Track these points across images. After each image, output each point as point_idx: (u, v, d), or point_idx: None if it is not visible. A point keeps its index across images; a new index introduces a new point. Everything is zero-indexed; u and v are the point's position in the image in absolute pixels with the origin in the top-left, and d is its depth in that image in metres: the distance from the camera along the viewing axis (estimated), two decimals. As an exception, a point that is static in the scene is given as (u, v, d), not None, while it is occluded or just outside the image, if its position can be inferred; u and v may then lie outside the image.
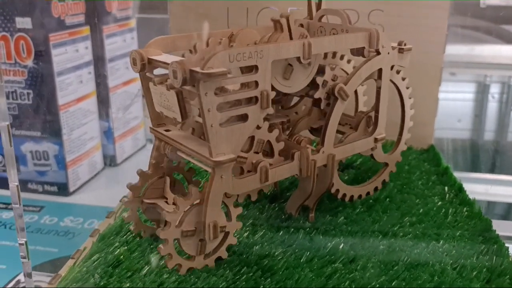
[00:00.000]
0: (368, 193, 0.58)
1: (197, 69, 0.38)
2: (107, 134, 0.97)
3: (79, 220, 0.80)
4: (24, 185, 0.87)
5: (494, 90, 1.17)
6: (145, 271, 0.43)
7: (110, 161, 0.97)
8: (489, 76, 1.17)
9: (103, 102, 0.95)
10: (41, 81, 0.82)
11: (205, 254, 0.44)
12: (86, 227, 0.79)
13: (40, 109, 0.83)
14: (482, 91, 1.18)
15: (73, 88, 0.86)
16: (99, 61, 0.93)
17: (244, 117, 0.42)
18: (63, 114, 0.84)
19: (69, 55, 0.85)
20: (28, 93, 0.83)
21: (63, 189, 0.86)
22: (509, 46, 1.13)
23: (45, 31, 0.80)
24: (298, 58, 0.45)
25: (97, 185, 0.91)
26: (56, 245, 0.73)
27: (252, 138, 0.45)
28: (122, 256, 0.44)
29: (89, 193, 0.88)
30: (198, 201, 0.42)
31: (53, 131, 0.84)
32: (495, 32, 1.13)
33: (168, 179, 0.48)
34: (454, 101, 1.19)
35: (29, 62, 0.82)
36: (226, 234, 0.45)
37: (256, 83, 0.42)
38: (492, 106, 1.18)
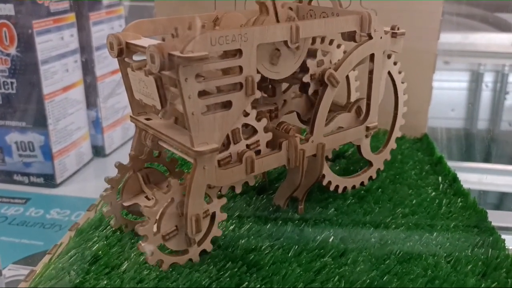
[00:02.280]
0: (362, 183, 0.56)
1: (176, 53, 0.35)
2: (95, 124, 0.95)
3: (66, 212, 0.78)
4: (9, 176, 0.85)
5: (488, 79, 1.16)
6: (124, 267, 0.41)
7: (98, 151, 0.95)
8: (483, 64, 1.16)
9: (91, 91, 0.93)
10: (25, 69, 0.80)
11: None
12: (73, 219, 0.77)
13: (24, 99, 0.81)
14: (476, 79, 1.17)
15: (58, 77, 0.84)
16: (85, 49, 0.91)
17: (227, 104, 0.40)
18: (48, 104, 0.82)
19: (54, 43, 0.83)
20: (11, 82, 0.81)
21: (49, 180, 0.84)
22: (503, 34, 1.12)
23: (28, 18, 0.78)
24: (285, 42, 0.43)
25: (85, 176, 0.90)
26: (42, 238, 0.72)
27: (254, 130, 0.44)
28: (100, 252, 0.42)
29: (77, 184, 0.87)
30: (169, 200, 0.40)
31: (38, 121, 0.82)
32: (490, 20, 1.11)
33: (140, 176, 0.45)
34: (448, 90, 1.18)
35: (12, 50, 0.79)
36: (211, 225, 0.42)
37: (241, 68, 0.40)
38: (486, 95, 1.17)
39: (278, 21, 0.43)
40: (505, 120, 1.14)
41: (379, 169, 0.58)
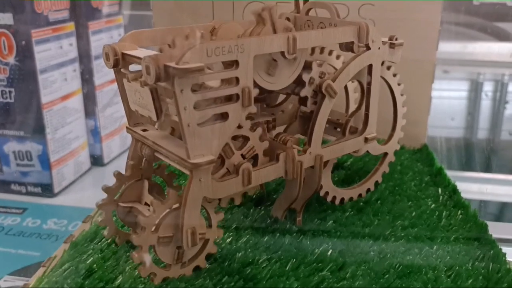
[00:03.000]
0: (360, 195, 0.55)
1: (172, 64, 0.35)
2: (94, 133, 0.95)
3: (63, 222, 0.78)
4: (7, 186, 0.84)
5: (488, 88, 1.16)
6: (119, 281, 0.40)
7: (97, 161, 0.95)
8: (482, 74, 1.16)
9: (89, 100, 0.92)
10: (23, 78, 0.79)
11: (182, 262, 0.41)
12: (71, 229, 0.76)
13: (22, 108, 0.81)
14: (475, 89, 1.17)
15: (57, 86, 0.84)
16: (84, 58, 0.91)
17: (224, 116, 0.40)
18: (46, 113, 0.82)
19: (52, 52, 0.82)
20: (10, 91, 0.81)
21: (47, 190, 0.84)
22: (503, 43, 1.12)
23: (27, 27, 0.78)
24: (282, 53, 0.42)
25: (83, 185, 0.89)
26: (39, 248, 0.71)
27: (245, 139, 0.43)
28: (95, 265, 0.41)
29: (75, 194, 0.86)
30: (177, 205, 0.39)
31: (37, 130, 0.82)
32: (489, 29, 1.11)
33: (146, 183, 0.45)
34: (447, 99, 1.18)
35: (11, 59, 0.79)
36: (206, 241, 0.42)
37: (237, 79, 0.39)
38: (486, 104, 1.16)
39: (275, 31, 0.43)
40: (505, 130, 1.14)
41: (377, 181, 0.57)
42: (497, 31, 1.12)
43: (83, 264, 0.42)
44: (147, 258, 0.39)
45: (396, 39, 0.50)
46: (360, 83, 0.50)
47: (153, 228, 0.39)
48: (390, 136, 0.56)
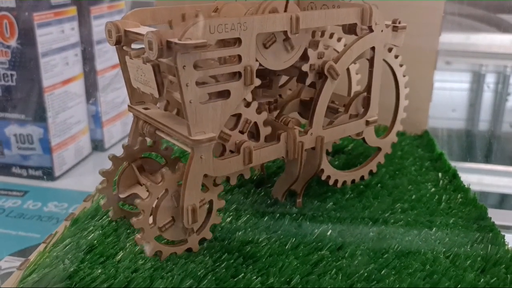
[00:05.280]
0: (362, 177, 0.55)
1: (174, 40, 0.35)
2: (95, 118, 0.95)
3: (63, 205, 0.78)
4: (8, 169, 0.84)
5: (490, 79, 1.16)
6: (119, 256, 0.40)
7: (98, 145, 0.95)
8: (485, 65, 1.15)
9: (91, 85, 0.92)
10: (25, 62, 0.79)
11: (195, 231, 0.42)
12: (71, 212, 0.76)
13: (24, 91, 0.81)
14: (477, 80, 1.17)
15: (58, 70, 0.84)
16: (86, 42, 0.90)
17: (225, 94, 0.40)
18: (48, 97, 0.81)
19: (54, 36, 0.82)
20: (11, 75, 0.81)
21: (48, 173, 0.84)
22: (505, 35, 1.11)
23: (29, 11, 0.77)
24: (285, 33, 0.42)
25: (84, 170, 0.89)
26: (39, 230, 0.71)
27: (238, 116, 0.43)
28: (95, 241, 0.41)
29: (76, 178, 0.86)
30: (163, 192, 0.40)
31: (38, 114, 0.81)
32: (491, 20, 1.11)
33: (134, 167, 0.45)
34: (449, 90, 1.17)
35: (13, 42, 0.79)
36: (209, 212, 0.42)
37: (240, 57, 0.39)
38: (487, 96, 1.16)
39: (285, 10, 0.43)
40: (506, 121, 1.14)
41: (379, 162, 0.57)
42: (500, 23, 1.12)
43: (84, 240, 0.42)
44: (152, 245, 0.39)
45: (399, 22, 0.50)
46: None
47: (150, 221, 0.39)
48: (393, 122, 0.56)
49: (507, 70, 1.14)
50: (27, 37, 0.78)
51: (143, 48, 0.40)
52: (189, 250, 0.42)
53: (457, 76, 1.19)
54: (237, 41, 0.39)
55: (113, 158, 0.44)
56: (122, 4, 1.00)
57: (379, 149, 0.57)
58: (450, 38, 1.06)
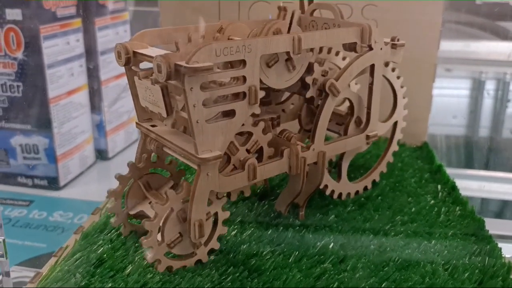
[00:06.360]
0: (366, 188, 0.57)
1: (182, 63, 0.36)
2: (99, 127, 0.96)
3: (68, 215, 0.79)
4: (13, 179, 0.86)
5: (489, 86, 1.17)
6: (128, 270, 0.42)
7: (102, 155, 0.96)
8: (485, 72, 1.16)
9: (95, 95, 0.93)
10: (31, 73, 0.81)
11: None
12: (76, 222, 0.77)
13: (30, 102, 0.82)
14: (477, 87, 1.17)
15: (64, 81, 0.85)
16: (90, 53, 0.92)
17: (231, 113, 0.41)
18: (53, 107, 0.83)
19: (60, 48, 0.84)
20: (18, 86, 0.82)
21: (53, 183, 0.85)
22: (504, 42, 1.13)
23: (35, 23, 0.79)
24: (288, 53, 0.44)
25: (88, 179, 0.90)
26: (45, 240, 0.72)
27: (248, 134, 0.44)
28: (105, 255, 0.42)
29: (80, 187, 0.87)
30: (169, 210, 0.41)
31: (43, 124, 0.82)
32: (491, 28, 1.12)
33: (141, 184, 0.46)
34: (450, 97, 1.18)
35: (19, 54, 0.80)
36: (215, 223, 0.44)
37: (244, 78, 0.41)
38: (487, 103, 1.17)
39: (289, 31, 0.44)
40: (506, 128, 1.15)
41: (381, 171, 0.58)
42: (498, 30, 1.13)
43: (94, 254, 0.43)
44: (160, 256, 0.41)
45: (398, 40, 0.51)
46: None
47: (159, 238, 0.40)
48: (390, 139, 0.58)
49: (507, 77, 1.15)
50: (33, 49, 0.79)
51: (150, 68, 0.42)
52: (198, 262, 0.44)
53: (458, 83, 1.20)
54: (242, 63, 0.40)
55: (120, 177, 0.46)
56: (125, 15, 1.02)
57: (381, 158, 0.58)
58: (450, 46, 1.07)
